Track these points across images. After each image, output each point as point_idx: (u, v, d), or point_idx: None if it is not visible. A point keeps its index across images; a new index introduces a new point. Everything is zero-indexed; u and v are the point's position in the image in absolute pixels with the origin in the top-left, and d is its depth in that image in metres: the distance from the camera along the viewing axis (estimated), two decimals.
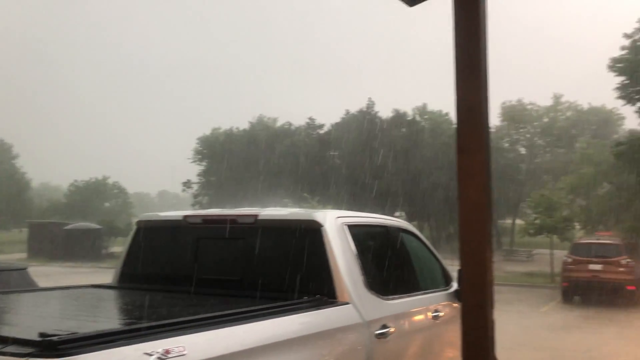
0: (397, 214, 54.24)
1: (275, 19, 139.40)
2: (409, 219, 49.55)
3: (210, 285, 3.93)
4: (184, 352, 2.24)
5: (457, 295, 4.73)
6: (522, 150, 56.00)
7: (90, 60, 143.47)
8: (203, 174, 52.63)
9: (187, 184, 51.61)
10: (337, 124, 47.43)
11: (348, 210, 4.51)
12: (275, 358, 2.71)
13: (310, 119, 48.87)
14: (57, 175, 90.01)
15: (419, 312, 4.45)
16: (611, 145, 26.62)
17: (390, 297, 4.05)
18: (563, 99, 55.22)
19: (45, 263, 27.78)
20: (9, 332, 2.36)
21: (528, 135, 55.01)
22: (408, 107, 52.82)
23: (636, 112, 24.79)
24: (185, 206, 52.02)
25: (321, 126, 48.76)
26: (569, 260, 16.32)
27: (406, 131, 46.73)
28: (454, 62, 2.24)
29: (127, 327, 2.47)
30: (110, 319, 3.52)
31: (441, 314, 4.63)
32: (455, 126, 2.28)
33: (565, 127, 53.48)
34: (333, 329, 3.27)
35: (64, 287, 4.45)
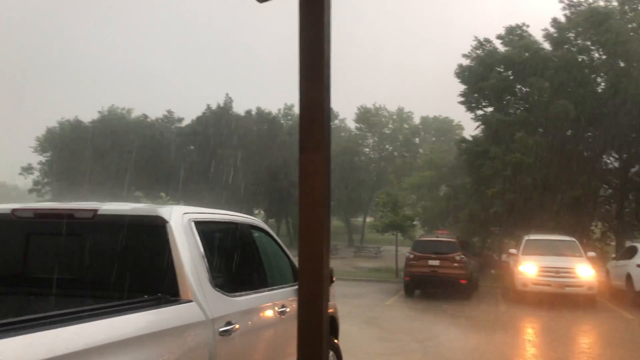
0: (256, 211, 54.50)
1: (131, 10, 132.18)
2: (268, 216, 49.99)
3: (43, 285, 3.62)
4: None
5: None
6: (373, 154, 59.40)
7: None
8: (46, 163, 48.52)
9: (27, 170, 47.42)
10: (197, 118, 46.35)
11: (202, 207, 4.43)
12: None
13: (168, 111, 47.21)
14: None
15: (265, 308, 4.49)
16: (456, 143, 29.20)
17: (237, 294, 4.05)
18: (409, 108, 59.83)
19: None
20: None
21: (377, 139, 58.51)
22: (275, 106, 53.42)
23: (474, 119, 27.37)
24: (26, 199, 47.61)
25: (180, 120, 47.33)
26: (411, 256, 17.50)
27: (267, 129, 47.05)
28: (298, 62, 2.28)
29: None
30: None
31: (288, 309, 4.71)
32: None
33: (410, 134, 57.74)
34: (174, 327, 3.17)
35: None
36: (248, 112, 48.16)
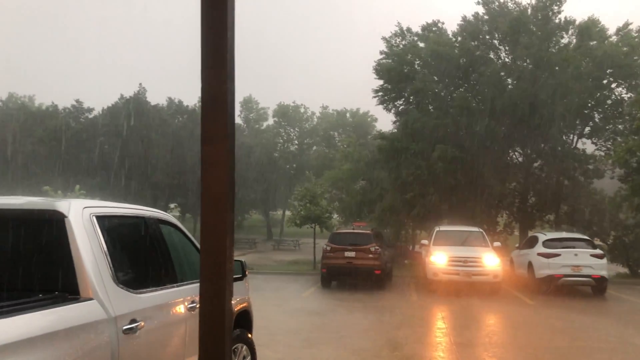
0: (172, 206, 53.05)
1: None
2: (184, 211, 48.81)
3: None
4: None
5: None
6: (294, 148, 59.66)
7: None
8: None
9: None
10: (109, 108, 44.29)
11: (116, 201, 4.25)
12: None
13: (77, 101, 44.78)
14: None
15: (174, 304, 4.38)
16: (374, 138, 29.79)
17: (143, 290, 3.92)
18: (329, 103, 60.65)
19: None
20: None
21: (297, 133, 58.86)
22: (194, 98, 52.12)
23: (394, 114, 28.11)
24: None
25: (90, 110, 45.05)
26: (328, 248, 17.72)
27: (184, 121, 45.78)
28: (200, 49, 2.21)
29: None
30: None
31: (198, 305, 4.61)
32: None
33: (330, 128, 58.51)
34: (72, 327, 3.02)
35: None
36: (169, 104, 46.74)
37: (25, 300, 2.94)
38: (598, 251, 16.78)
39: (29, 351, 2.64)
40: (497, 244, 18.17)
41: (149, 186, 40.11)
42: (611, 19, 29.24)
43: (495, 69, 25.13)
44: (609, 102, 25.43)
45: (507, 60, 26.19)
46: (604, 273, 15.97)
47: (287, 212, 51.91)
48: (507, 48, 25.73)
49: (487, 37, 26.12)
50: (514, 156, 27.61)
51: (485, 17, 26.07)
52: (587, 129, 26.15)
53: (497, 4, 25.83)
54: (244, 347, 5.84)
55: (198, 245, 5.33)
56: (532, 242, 18.13)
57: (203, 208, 2.19)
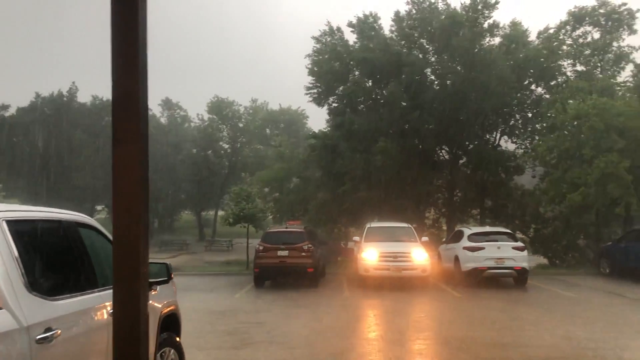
0: (99, 208, 51.09)
1: None
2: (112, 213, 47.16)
3: None
4: None
5: None
6: (226, 146, 58.83)
7: None
8: None
9: None
10: (29, 106, 42.10)
11: (37, 205, 4.03)
12: None
13: None
14: None
15: (94, 310, 4.22)
16: (306, 137, 29.79)
17: (60, 297, 3.75)
18: (259, 101, 60.13)
19: None
20: None
21: (230, 133, 58.09)
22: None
23: (322, 107, 28.25)
24: None
25: (6, 107, 42.64)
26: (261, 248, 17.61)
27: (109, 120, 44.19)
28: (111, 46, 2.15)
29: None
30: None
31: None
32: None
33: (261, 126, 58.13)
34: None
35: None
36: (94, 102, 44.94)
37: None
38: (519, 244, 17.63)
39: None
40: (425, 239, 18.67)
41: (74, 188, 38.48)
42: (535, 22, 30.76)
43: (422, 67, 25.84)
44: (529, 102, 26.77)
45: (433, 59, 26.93)
46: (525, 265, 16.79)
47: (220, 212, 51.20)
48: (436, 46, 26.36)
49: (416, 35, 26.70)
50: (441, 154, 28.50)
51: (417, 15, 26.62)
52: (508, 128, 27.40)
53: (427, 3, 26.50)
54: (172, 350, 5.72)
55: None
56: (458, 237, 18.77)
57: (115, 211, 2.13)
